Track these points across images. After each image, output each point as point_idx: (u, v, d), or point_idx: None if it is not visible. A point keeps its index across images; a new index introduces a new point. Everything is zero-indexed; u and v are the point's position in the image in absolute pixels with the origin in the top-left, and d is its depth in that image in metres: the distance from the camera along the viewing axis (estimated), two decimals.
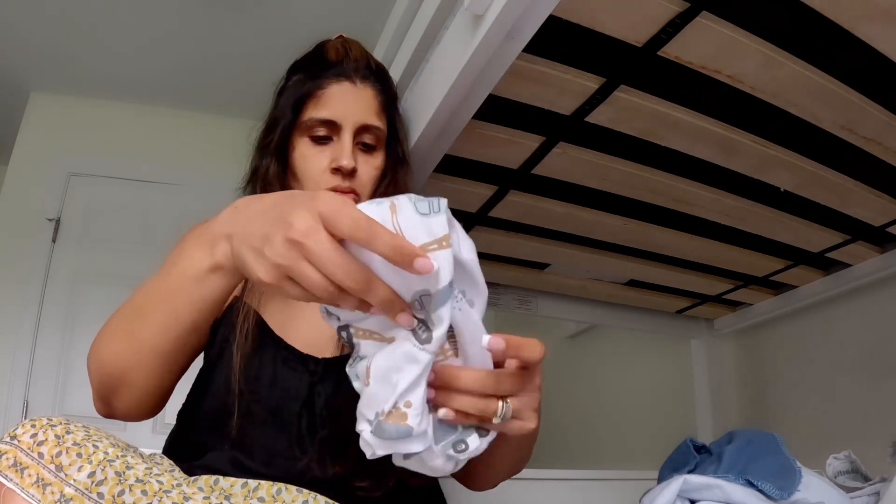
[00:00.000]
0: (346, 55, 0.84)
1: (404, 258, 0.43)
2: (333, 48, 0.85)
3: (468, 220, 1.19)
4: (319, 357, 0.74)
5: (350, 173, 0.80)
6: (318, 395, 0.70)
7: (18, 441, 0.49)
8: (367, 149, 0.83)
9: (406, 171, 0.88)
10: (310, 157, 0.81)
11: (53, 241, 2.58)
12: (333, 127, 0.81)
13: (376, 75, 0.85)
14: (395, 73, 0.99)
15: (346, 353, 0.78)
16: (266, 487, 0.62)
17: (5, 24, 2.39)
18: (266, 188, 0.82)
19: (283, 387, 0.70)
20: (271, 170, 0.83)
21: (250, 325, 0.74)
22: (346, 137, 0.81)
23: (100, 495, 0.47)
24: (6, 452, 0.49)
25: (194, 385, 0.75)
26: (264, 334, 0.73)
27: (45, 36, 2.46)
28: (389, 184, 0.85)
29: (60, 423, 0.51)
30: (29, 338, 2.46)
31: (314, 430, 0.68)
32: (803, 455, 0.76)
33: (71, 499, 0.47)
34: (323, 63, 0.83)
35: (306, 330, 0.77)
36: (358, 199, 0.82)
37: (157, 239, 2.54)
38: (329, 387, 0.71)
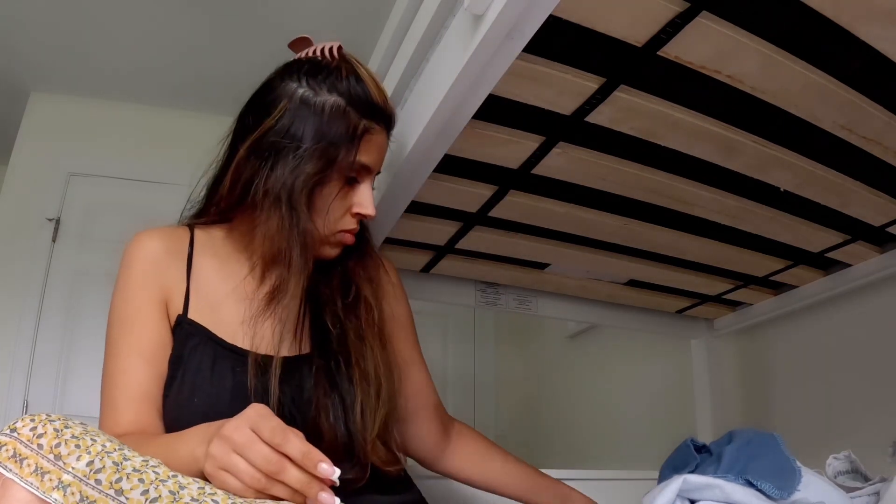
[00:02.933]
0: (385, 102, 0.84)
1: (310, 462, 0.55)
2: (374, 85, 0.83)
3: (468, 220, 1.19)
4: (279, 357, 0.75)
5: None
6: (283, 394, 0.72)
7: (18, 433, 0.50)
8: None
9: None
10: (339, 198, 0.81)
11: (53, 240, 2.59)
12: (366, 173, 0.83)
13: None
14: (395, 73, 0.99)
15: (304, 352, 0.79)
16: None
17: (5, 24, 2.39)
18: (294, 213, 0.77)
19: (241, 393, 0.72)
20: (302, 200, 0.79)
21: (200, 340, 0.76)
22: (369, 184, 0.83)
23: (97, 482, 0.49)
24: (6, 444, 0.50)
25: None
26: (216, 345, 0.76)
27: (46, 36, 2.46)
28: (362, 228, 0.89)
29: (59, 419, 0.52)
30: (29, 337, 2.47)
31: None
32: (803, 455, 0.76)
33: (69, 485, 0.48)
34: (368, 102, 0.81)
35: (261, 332, 0.78)
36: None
37: None
38: (293, 385, 0.74)
